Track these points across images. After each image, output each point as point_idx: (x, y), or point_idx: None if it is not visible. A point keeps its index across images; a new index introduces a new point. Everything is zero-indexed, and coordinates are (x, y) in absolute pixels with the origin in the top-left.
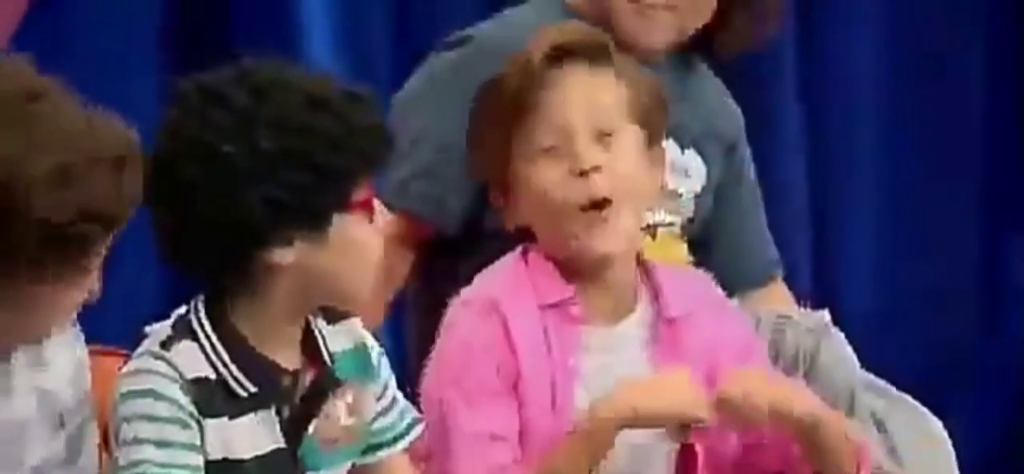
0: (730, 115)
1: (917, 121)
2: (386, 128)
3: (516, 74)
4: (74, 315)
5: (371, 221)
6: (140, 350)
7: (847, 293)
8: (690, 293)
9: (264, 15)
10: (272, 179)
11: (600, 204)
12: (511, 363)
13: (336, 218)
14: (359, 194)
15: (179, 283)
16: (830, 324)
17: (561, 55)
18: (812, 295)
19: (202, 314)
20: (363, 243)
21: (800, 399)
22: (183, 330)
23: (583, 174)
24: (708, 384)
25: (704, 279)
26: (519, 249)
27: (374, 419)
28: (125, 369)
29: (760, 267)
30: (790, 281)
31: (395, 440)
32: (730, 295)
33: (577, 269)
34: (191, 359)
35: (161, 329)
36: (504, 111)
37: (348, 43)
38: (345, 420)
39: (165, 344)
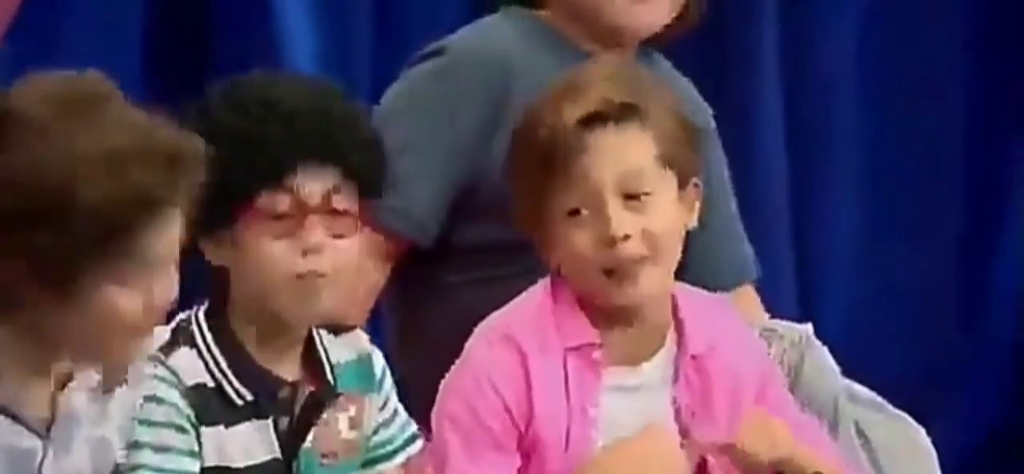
0: (701, 113)
1: (899, 118)
2: (291, 147)
3: (546, 136)
4: (149, 333)
5: (277, 235)
6: None
7: (828, 291)
8: (712, 324)
9: (246, 21)
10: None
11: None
12: (525, 401)
13: (243, 222)
14: (265, 203)
15: None
16: (813, 336)
17: (591, 119)
18: (793, 293)
19: (202, 321)
20: (262, 253)
21: (753, 438)
22: (182, 337)
23: (614, 242)
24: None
25: (724, 305)
26: (547, 283)
27: (375, 431)
28: None
29: (735, 269)
30: (771, 279)
31: (393, 454)
32: None
33: (607, 313)
34: (190, 365)
35: (160, 335)
36: (535, 170)
37: (330, 51)
38: (346, 433)
39: (165, 350)
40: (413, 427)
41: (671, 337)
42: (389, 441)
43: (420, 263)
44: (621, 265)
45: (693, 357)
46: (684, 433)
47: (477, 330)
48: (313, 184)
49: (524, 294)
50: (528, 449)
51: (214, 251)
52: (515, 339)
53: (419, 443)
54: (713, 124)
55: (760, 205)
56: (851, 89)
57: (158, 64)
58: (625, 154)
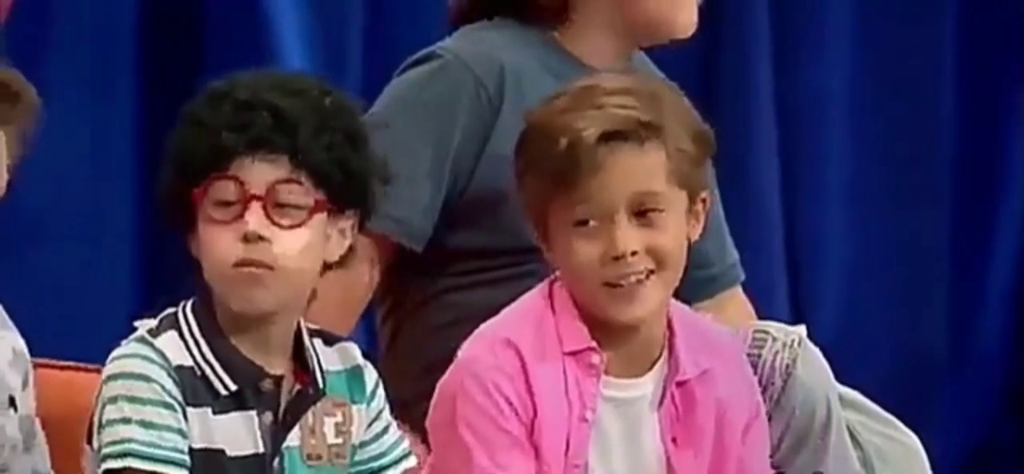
0: None
1: (888, 131)
2: (237, 134)
3: (565, 149)
4: None
5: (220, 222)
6: (128, 339)
7: (820, 300)
8: (706, 351)
9: (239, 24)
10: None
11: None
12: (528, 404)
13: (200, 209)
14: (210, 189)
15: (154, 302)
16: (806, 338)
17: (611, 136)
18: (785, 302)
19: (189, 310)
20: (206, 239)
21: None
22: (169, 323)
23: (619, 258)
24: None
25: (724, 335)
26: (545, 287)
27: (364, 444)
28: (113, 354)
29: (723, 272)
30: (764, 288)
31: (385, 468)
32: (694, 300)
33: (604, 324)
34: (176, 348)
35: (149, 323)
36: (546, 178)
37: (322, 54)
38: (332, 438)
39: (152, 332)
40: (406, 444)
41: (664, 358)
42: (381, 455)
43: (412, 267)
44: (625, 280)
45: (680, 383)
46: (667, 456)
47: (473, 336)
48: (260, 173)
49: (519, 301)
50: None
51: (192, 243)
52: (515, 344)
53: (413, 460)
54: None
55: (753, 215)
56: (841, 102)
57: (151, 68)
58: (641, 173)
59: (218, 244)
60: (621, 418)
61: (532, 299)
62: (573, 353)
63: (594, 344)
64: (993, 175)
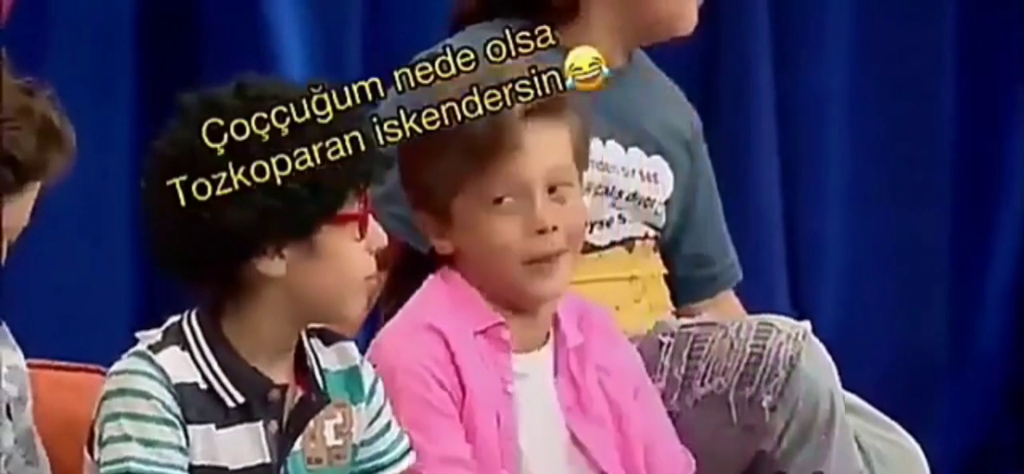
0: (683, 110)
1: (887, 133)
2: (378, 144)
3: (485, 128)
4: None
5: (361, 237)
6: (129, 353)
7: (819, 303)
8: (583, 323)
9: (237, 26)
10: (263, 185)
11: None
12: (456, 383)
13: (325, 230)
14: (348, 208)
15: (153, 303)
16: (811, 333)
17: (531, 112)
18: (786, 304)
19: (194, 322)
20: (347, 258)
21: None
22: (173, 336)
23: (542, 232)
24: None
25: (593, 307)
26: (439, 275)
27: (365, 443)
28: (112, 369)
29: (723, 271)
30: (764, 291)
31: (385, 467)
32: (695, 299)
33: (507, 302)
34: (179, 364)
35: (152, 334)
36: (463, 161)
37: (321, 56)
38: (332, 441)
39: (154, 347)
40: (406, 441)
41: (552, 331)
42: (382, 453)
43: (417, 269)
44: (546, 256)
45: (569, 351)
46: (568, 424)
47: (388, 329)
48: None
49: (420, 291)
50: (467, 432)
51: (270, 264)
52: (437, 328)
53: (412, 457)
54: (700, 125)
55: (753, 215)
56: (841, 102)
57: (150, 69)
58: (554, 148)
59: (359, 260)
60: (528, 393)
61: (433, 287)
62: (484, 331)
63: (502, 319)
64: (993, 175)
